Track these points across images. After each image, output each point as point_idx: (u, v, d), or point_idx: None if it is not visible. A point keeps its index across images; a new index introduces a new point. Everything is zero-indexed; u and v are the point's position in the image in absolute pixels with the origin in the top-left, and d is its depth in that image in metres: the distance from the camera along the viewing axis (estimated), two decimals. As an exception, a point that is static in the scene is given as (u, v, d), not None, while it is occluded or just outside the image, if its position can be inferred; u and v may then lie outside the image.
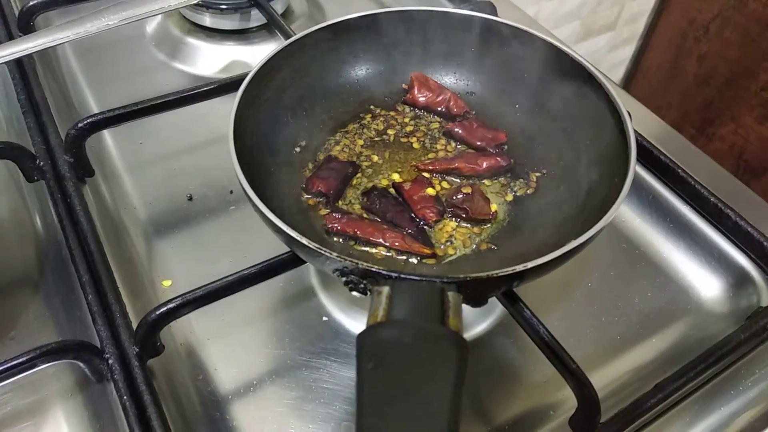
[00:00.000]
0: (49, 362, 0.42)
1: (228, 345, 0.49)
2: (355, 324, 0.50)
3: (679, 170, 0.57)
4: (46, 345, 0.41)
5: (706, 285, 0.55)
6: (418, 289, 0.34)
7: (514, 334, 0.50)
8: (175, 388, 0.46)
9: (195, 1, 0.62)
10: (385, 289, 0.34)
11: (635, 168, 0.43)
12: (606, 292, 0.54)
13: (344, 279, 0.38)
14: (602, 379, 0.48)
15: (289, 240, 0.39)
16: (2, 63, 0.54)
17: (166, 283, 0.52)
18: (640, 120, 0.67)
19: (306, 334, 0.50)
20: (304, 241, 0.37)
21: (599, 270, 0.56)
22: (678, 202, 0.59)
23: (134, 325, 0.44)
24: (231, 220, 0.57)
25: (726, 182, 0.63)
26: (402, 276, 0.35)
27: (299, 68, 0.54)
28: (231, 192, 0.58)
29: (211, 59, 0.73)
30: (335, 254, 0.36)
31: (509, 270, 0.36)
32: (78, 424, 0.44)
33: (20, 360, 0.40)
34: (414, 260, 0.46)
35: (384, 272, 0.35)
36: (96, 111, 0.63)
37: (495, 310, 0.52)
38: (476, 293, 0.37)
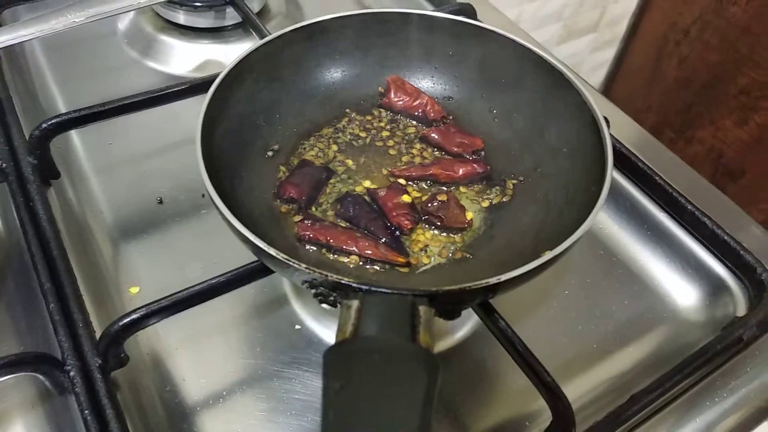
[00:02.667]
0: (6, 375, 0.40)
1: (197, 354, 0.47)
2: (329, 333, 0.49)
3: (657, 177, 0.57)
4: (2, 357, 0.39)
5: (683, 293, 0.55)
6: (389, 303, 0.33)
7: (491, 343, 0.49)
8: (140, 399, 0.45)
9: (165, -1, 0.60)
10: (355, 303, 0.33)
11: (612, 175, 0.42)
12: (583, 300, 0.54)
13: (314, 291, 0.37)
14: (578, 388, 0.48)
15: (256, 250, 0.38)
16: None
17: (134, 289, 0.51)
18: (619, 125, 0.67)
19: (278, 343, 0.48)
20: (272, 251, 0.36)
21: (576, 277, 0.55)
22: (655, 210, 0.58)
23: (98, 335, 0.43)
24: (202, 224, 0.55)
25: (703, 189, 0.62)
26: (372, 289, 0.34)
27: (273, 70, 0.52)
28: (203, 195, 0.57)
29: (184, 58, 0.71)
30: (303, 266, 0.35)
31: (482, 283, 0.35)
32: (39, 437, 0.42)
33: (-25, 373, 0.39)
34: (388, 269, 0.45)
35: (354, 285, 0.34)
36: (64, 110, 0.61)
37: (472, 318, 0.51)
38: (449, 306, 0.36)
